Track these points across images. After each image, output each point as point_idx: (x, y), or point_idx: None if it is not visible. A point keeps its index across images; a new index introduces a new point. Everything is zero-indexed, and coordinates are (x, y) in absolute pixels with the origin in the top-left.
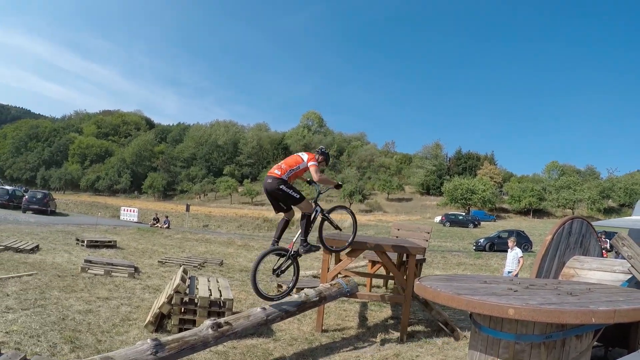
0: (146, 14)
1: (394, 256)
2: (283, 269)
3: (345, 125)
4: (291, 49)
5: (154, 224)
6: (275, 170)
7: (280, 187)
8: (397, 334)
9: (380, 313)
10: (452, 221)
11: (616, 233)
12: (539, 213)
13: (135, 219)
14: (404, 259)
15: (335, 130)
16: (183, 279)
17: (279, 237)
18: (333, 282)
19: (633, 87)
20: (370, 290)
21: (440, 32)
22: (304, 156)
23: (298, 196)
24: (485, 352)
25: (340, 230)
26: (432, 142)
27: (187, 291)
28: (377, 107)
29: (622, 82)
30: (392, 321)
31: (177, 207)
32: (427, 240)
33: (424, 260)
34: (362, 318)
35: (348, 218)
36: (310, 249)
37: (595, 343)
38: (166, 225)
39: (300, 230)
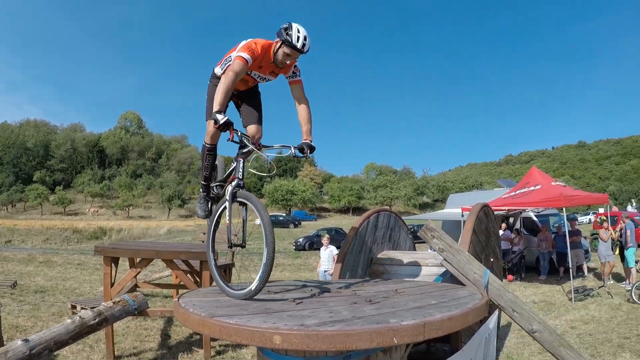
0: None
1: (197, 263)
2: None
3: (165, 127)
4: (111, 44)
5: None
6: None
7: None
8: (202, 352)
9: (186, 329)
10: (272, 222)
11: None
12: (359, 211)
13: None
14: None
15: (154, 132)
16: None
17: None
18: (117, 299)
19: (446, 92)
20: None
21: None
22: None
23: None
24: None
25: None
26: None
27: None
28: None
29: (436, 88)
30: (197, 336)
31: None
32: None
33: (232, 265)
34: (165, 336)
35: None
36: None
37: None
38: None
39: None
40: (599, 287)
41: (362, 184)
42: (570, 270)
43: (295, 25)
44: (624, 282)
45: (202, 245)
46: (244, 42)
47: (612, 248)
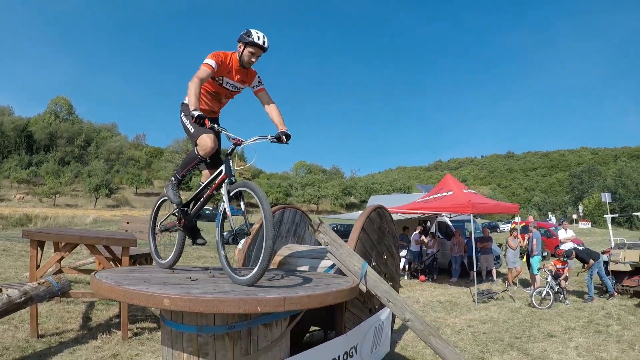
0: None
1: (118, 250)
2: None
3: (97, 115)
4: (42, 27)
5: None
6: None
7: None
8: (120, 333)
9: (106, 312)
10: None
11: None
12: None
13: None
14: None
15: (85, 119)
16: None
17: None
18: (42, 280)
19: (380, 96)
20: None
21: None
22: None
23: None
24: (172, 347)
25: None
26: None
27: None
28: (132, 97)
29: (371, 90)
30: (117, 320)
31: None
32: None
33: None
34: (86, 319)
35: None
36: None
37: (315, 328)
38: None
39: None
40: (503, 291)
41: (291, 182)
42: (474, 273)
43: (253, 30)
44: (529, 287)
45: (124, 233)
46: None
47: (520, 255)
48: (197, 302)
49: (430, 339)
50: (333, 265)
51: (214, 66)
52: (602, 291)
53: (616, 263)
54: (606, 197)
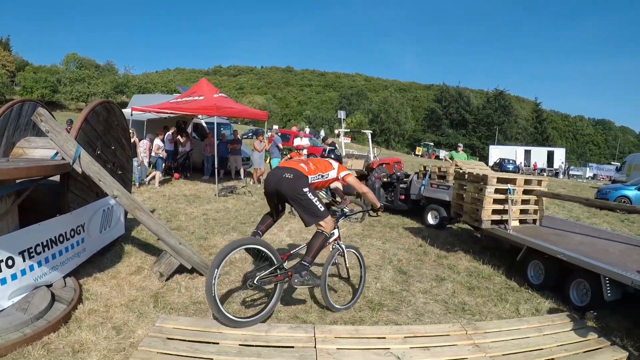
0: None
1: None
2: (263, 278)
3: None
4: None
5: None
6: (302, 165)
7: (304, 190)
8: None
9: None
10: None
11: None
12: (53, 105)
13: None
14: None
15: None
16: None
17: (263, 231)
18: None
19: None
20: None
21: None
22: (334, 164)
23: (323, 208)
24: None
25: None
26: None
27: None
28: None
29: None
30: None
31: None
32: None
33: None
34: None
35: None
36: (306, 281)
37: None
38: None
39: (307, 250)
40: (242, 187)
41: (60, 76)
42: (221, 171)
43: None
44: None
45: None
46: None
47: (264, 158)
48: None
49: (136, 212)
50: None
51: None
52: None
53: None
54: (341, 114)
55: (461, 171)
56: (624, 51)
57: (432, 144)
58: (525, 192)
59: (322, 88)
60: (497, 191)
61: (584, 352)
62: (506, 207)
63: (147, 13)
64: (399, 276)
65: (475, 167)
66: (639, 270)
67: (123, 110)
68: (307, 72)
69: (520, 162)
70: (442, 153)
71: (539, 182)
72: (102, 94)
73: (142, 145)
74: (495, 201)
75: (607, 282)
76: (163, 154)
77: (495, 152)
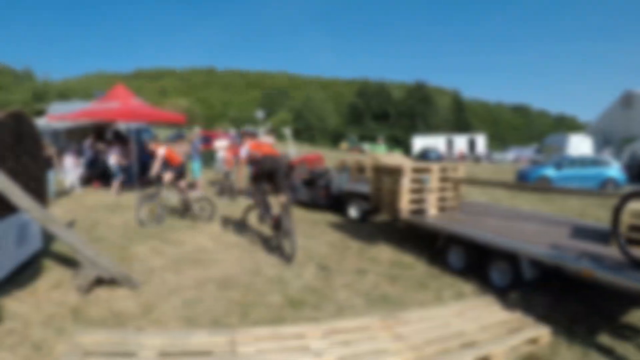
0: None
1: None
2: None
3: None
4: None
5: None
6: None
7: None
8: None
9: None
10: None
11: None
12: None
13: None
14: None
15: None
16: None
17: None
18: None
19: None
20: None
21: None
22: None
23: None
24: None
25: None
26: None
27: None
28: None
29: None
30: None
31: None
32: None
33: None
34: None
35: None
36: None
37: None
38: None
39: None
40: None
41: None
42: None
43: None
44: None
45: None
46: None
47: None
48: None
49: (49, 225)
50: None
51: None
52: None
53: None
54: (259, 114)
55: (377, 164)
56: (539, 39)
57: (356, 138)
58: (442, 179)
59: (245, 88)
60: (413, 181)
61: (507, 332)
62: (423, 196)
63: (64, 16)
64: (321, 272)
65: (393, 158)
66: (553, 245)
67: (42, 118)
68: (229, 72)
69: (444, 151)
70: (367, 146)
71: (455, 169)
72: (22, 102)
73: (69, 159)
74: (413, 191)
75: (524, 261)
76: (123, 163)
77: (419, 142)
